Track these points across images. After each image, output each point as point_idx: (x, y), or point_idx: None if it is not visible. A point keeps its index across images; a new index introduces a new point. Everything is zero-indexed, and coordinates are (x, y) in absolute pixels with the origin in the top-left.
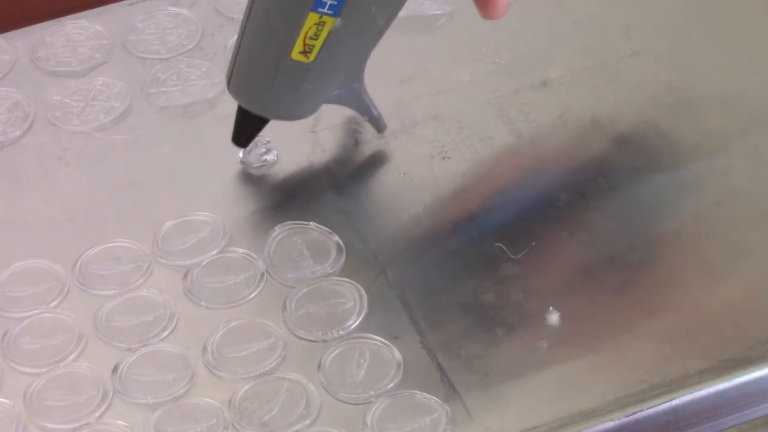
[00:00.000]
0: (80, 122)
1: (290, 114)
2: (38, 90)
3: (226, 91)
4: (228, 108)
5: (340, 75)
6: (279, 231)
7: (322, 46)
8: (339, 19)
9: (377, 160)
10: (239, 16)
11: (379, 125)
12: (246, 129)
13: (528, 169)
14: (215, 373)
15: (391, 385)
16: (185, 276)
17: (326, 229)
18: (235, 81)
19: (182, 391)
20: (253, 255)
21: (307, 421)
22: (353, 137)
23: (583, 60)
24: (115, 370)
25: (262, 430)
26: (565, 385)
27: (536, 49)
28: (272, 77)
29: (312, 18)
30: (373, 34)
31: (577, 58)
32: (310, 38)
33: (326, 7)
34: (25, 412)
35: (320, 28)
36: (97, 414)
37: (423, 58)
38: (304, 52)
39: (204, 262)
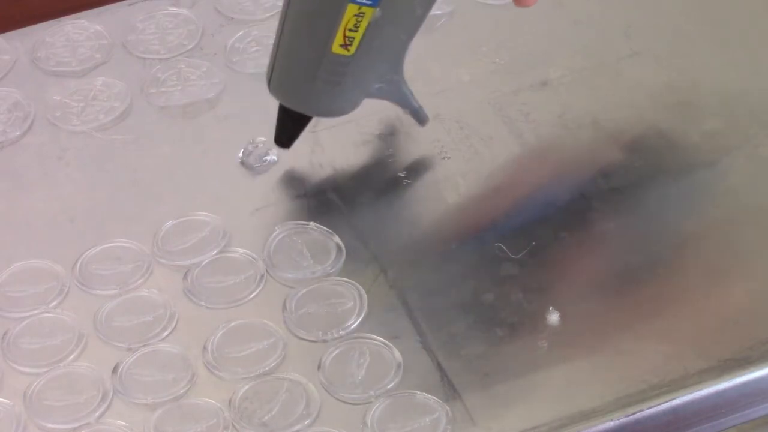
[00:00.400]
0: (80, 122)
1: (332, 110)
2: (38, 90)
3: (227, 91)
4: (228, 108)
5: (380, 67)
6: (279, 231)
7: (362, 38)
8: (378, 9)
9: (377, 160)
10: (239, 16)
11: (420, 117)
12: (288, 128)
13: (528, 169)
14: (215, 373)
15: (391, 385)
16: (185, 276)
17: (326, 229)
18: (276, 79)
19: (182, 391)
20: (253, 255)
21: (307, 421)
22: (353, 137)
23: (583, 60)
24: (115, 370)
25: (262, 430)
26: (565, 385)
27: (536, 49)
28: (314, 73)
29: (351, 9)
30: (411, 24)
31: (577, 58)
32: (350, 30)
33: None
34: (25, 412)
35: (360, 19)
36: (97, 414)
37: (423, 58)
38: (345, 45)
39: (204, 262)
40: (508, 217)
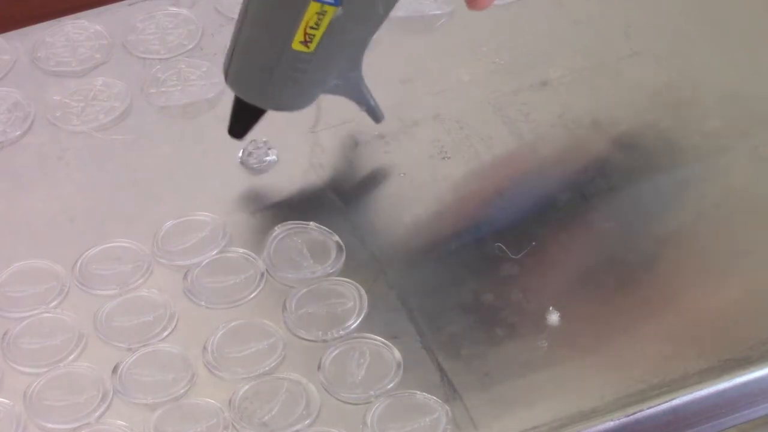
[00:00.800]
0: (80, 122)
1: (289, 105)
2: (38, 90)
3: (226, 91)
4: (228, 108)
5: (339, 64)
6: (279, 231)
7: (322, 36)
8: (340, 8)
9: (377, 160)
10: None
11: (376, 115)
12: (244, 120)
13: (528, 170)
14: (215, 373)
15: (391, 385)
16: (185, 276)
17: (326, 229)
18: (234, 72)
19: (182, 391)
20: (253, 255)
21: (307, 421)
22: (353, 137)
23: (583, 60)
24: (115, 370)
25: (262, 430)
26: (565, 385)
27: (536, 49)
28: (273, 68)
29: (313, 7)
30: (373, 23)
31: (577, 58)
32: (311, 28)
33: None
34: (25, 412)
35: (321, 17)
36: (97, 414)
37: (423, 58)
38: (305, 42)
39: (204, 262)
40: (508, 217)
